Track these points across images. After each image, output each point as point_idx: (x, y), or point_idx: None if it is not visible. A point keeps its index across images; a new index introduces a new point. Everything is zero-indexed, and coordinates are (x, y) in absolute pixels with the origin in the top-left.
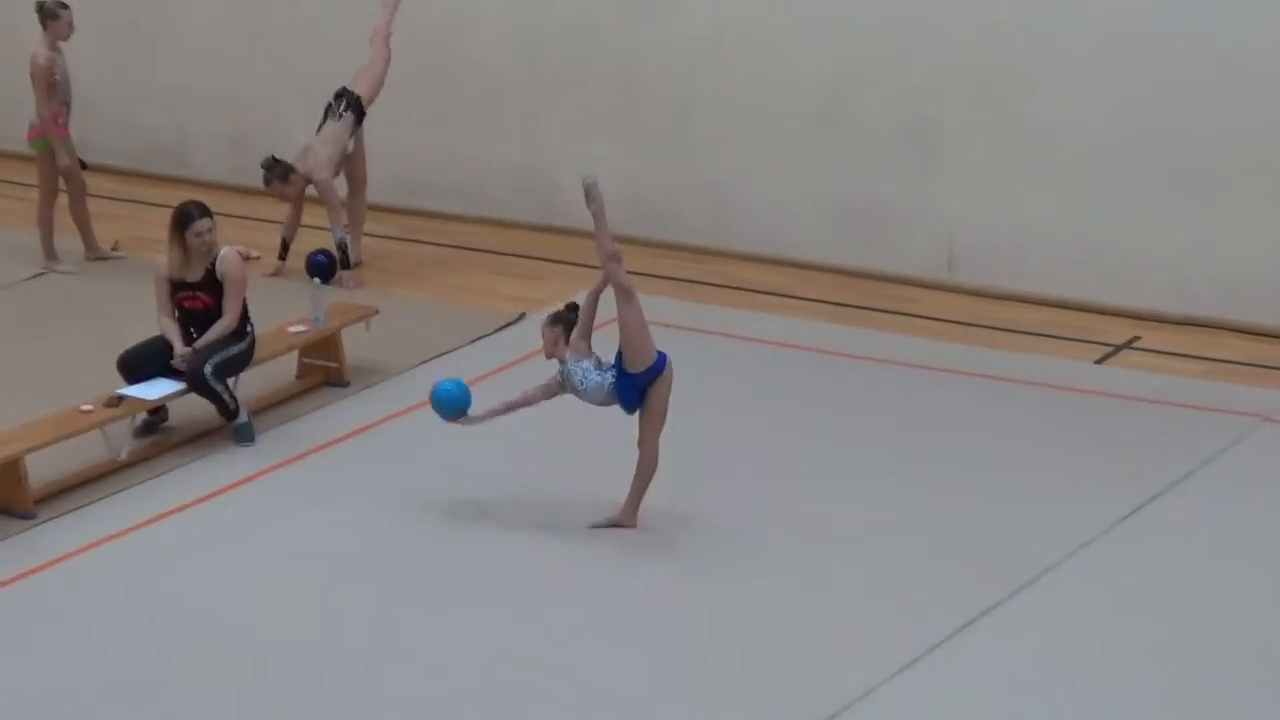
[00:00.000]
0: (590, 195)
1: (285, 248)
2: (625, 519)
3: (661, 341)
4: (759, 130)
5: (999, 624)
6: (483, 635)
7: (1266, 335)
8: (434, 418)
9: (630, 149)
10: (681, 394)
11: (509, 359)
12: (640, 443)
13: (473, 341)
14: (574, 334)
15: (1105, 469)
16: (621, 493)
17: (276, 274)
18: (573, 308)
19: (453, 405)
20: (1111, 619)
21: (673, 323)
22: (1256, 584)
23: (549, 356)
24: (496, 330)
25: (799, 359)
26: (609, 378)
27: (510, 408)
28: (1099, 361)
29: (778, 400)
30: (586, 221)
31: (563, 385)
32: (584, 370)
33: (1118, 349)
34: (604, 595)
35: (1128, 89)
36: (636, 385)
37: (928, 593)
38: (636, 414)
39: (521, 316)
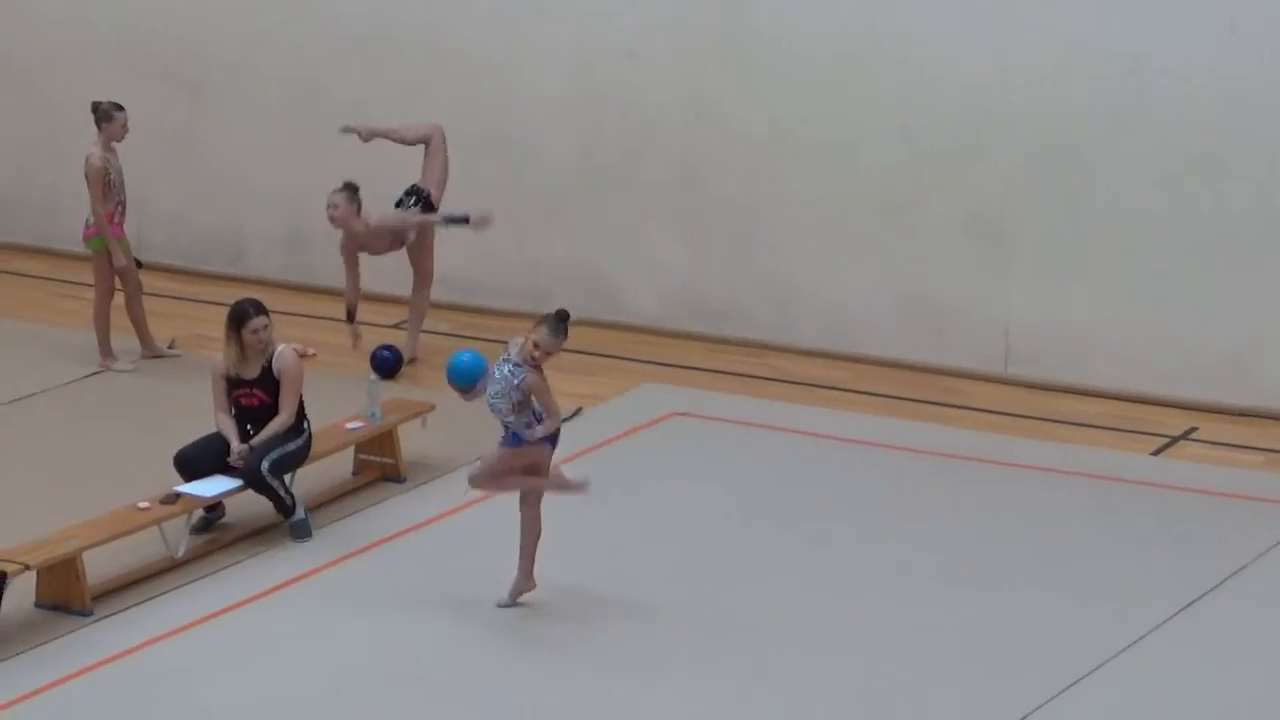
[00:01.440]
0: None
1: (350, 314)
2: (524, 583)
3: (719, 435)
4: (820, 226)
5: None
6: None
7: None
8: (489, 516)
9: (692, 246)
10: (729, 485)
11: (567, 454)
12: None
13: None
14: None
15: (1161, 563)
16: (682, 599)
17: (356, 339)
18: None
19: (467, 374)
20: (1169, 710)
21: (728, 417)
22: None
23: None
24: None
25: (853, 452)
26: (515, 380)
27: None
28: (1155, 453)
29: (830, 494)
30: (645, 318)
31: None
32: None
33: (1174, 440)
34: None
35: (1186, 180)
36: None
37: (980, 692)
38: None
39: (578, 411)
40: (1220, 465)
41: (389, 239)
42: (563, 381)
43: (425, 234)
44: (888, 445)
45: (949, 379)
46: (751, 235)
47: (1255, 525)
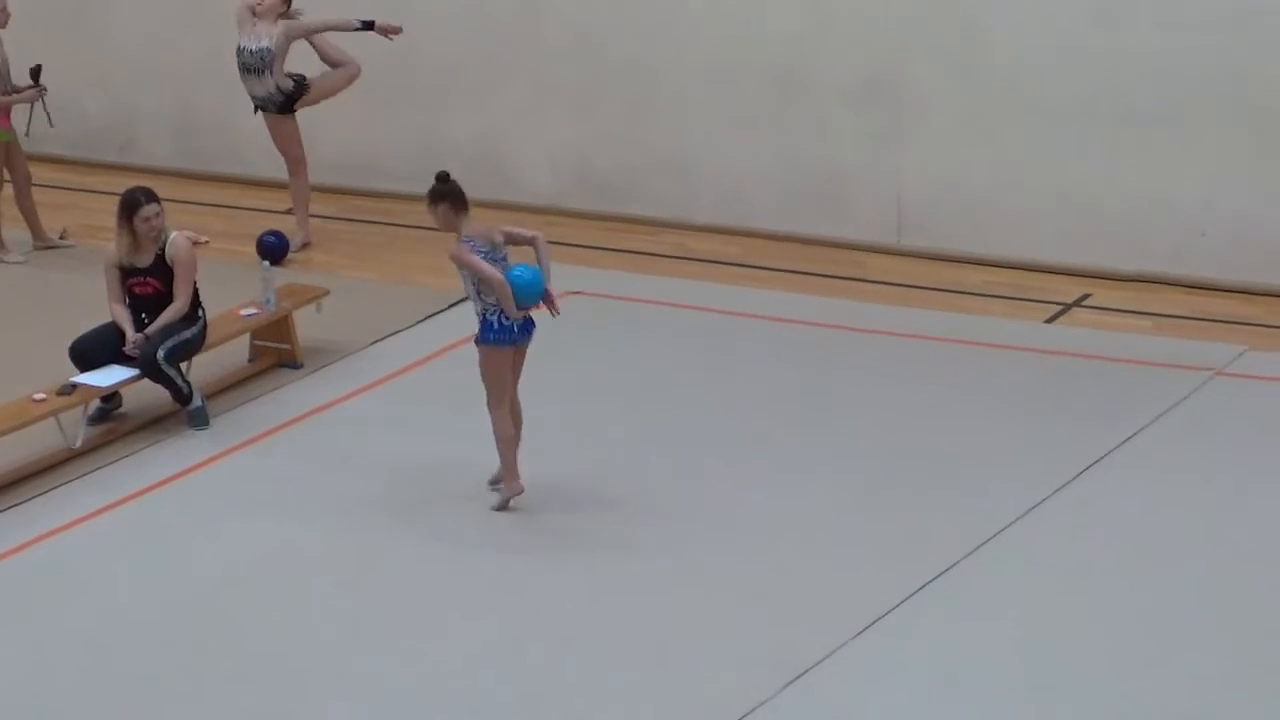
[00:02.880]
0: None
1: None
2: (513, 489)
3: (617, 314)
4: (714, 98)
5: (953, 586)
6: (437, 624)
7: (1214, 290)
8: (385, 397)
9: (587, 122)
10: (633, 366)
11: (461, 336)
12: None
13: (425, 319)
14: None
15: (1056, 427)
16: (581, 480)
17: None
18: (446, 176)
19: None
20: (1067, 579)
21: (628, 296)
22: (1210, 536)
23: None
24: (449, 307)
25: (751, 327)
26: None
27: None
28: (1049, 320)
29: (725, 370)
30: (538, 196)
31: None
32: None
33: (1068, 307)
34: (545, 588)
35: (1081, 49)
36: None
37: (883, 556)
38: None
39: None
40: (1113, 331)
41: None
42: None
43: (284, 123)
44: (784, 319)
45: (844, 251)
46: (646, 110)
47: (1148, 389)
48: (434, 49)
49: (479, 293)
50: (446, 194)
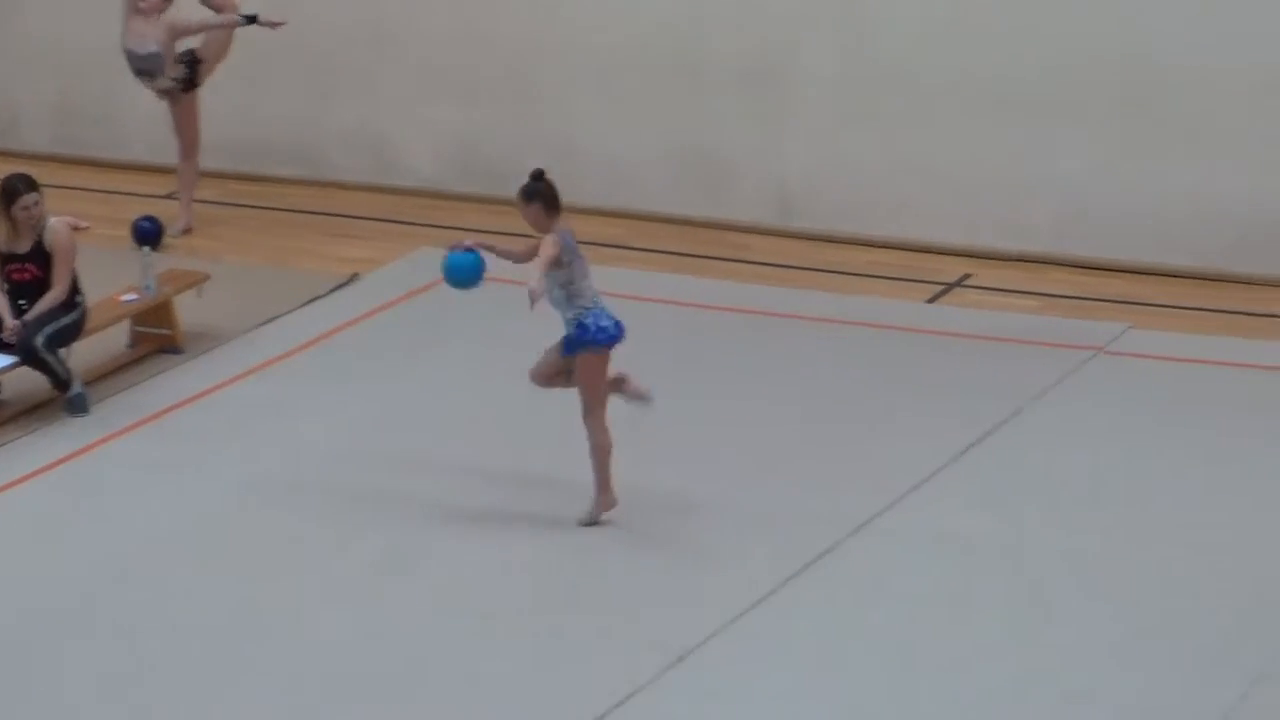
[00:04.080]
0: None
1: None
2: (606, 503)
3: (500, 298)
4: (598, 80)
5: (840, 564)
6: (314, 605)
7: (1097, 269)
8: (267, 381)
9: (470, 106)
10: (516, 349)
11: (344, 320)
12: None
13: (307, 304)
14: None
15: (939, 407)
16: (463, 458)
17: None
18: (541, 174)
19: (466, 273)
20: (953, 555)
21: (506, 278)
22: (1094, 511)
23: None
24: (330, 292)
25: (635, 309)
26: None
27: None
28: (932, 300)
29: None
30: (421, 180)
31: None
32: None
33: (951, 286)
34: (429, 568)
35: (961, 27)
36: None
37: (768, 534)
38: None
39: (354, 277)
40: (996, 310)
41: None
42: (339, 247)
43: (186, 102)
44: (668, 301)
45: (729, 233)
46: (530, 94)
47: (1032, 368)
48: (317, 33)
49: (569, 298)
50: (538, 193)
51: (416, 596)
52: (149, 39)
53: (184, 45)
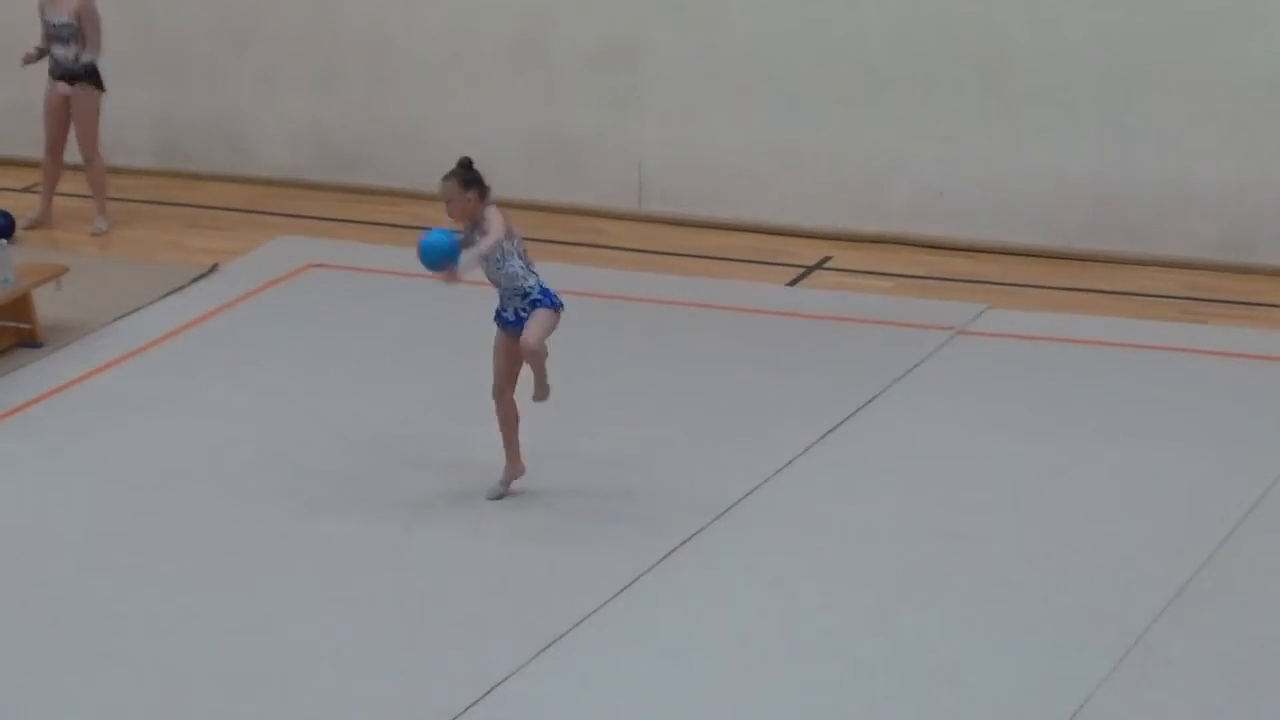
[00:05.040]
0: None
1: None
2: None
3: (356, 285)
4: (451, 65)
5: (705, 548)
6: (184, 593)
7: (953, 249)
8: (128, 373)
9: (324, 94)
10: (372, 337)
11: (205, 310)
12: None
13: (167, 295)
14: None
15: (803, 390)
16: (314, 449)
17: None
18: (469, 163)
19: (438, 254)
20: (818, 536)
21: (367, 267)
22: (956, 489)
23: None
24: (190, 283)
25: (491, 295)
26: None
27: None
28: (791, 283)
29: (463, 339)
30: (276, 170)
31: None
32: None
33: (810, 269)
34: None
35: (815, 9)
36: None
37: (634, 521)
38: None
39: (214, 268)
40: (855, 292)
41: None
42: (196, 238)
43: (88, 97)
44: None
45: (584, 217)
46: (384, 81)
47: (892, 349)
48: (169, 23)
49: (526, 268)
50: (476, 180)
51: (289, 583)
52: (63, 10)
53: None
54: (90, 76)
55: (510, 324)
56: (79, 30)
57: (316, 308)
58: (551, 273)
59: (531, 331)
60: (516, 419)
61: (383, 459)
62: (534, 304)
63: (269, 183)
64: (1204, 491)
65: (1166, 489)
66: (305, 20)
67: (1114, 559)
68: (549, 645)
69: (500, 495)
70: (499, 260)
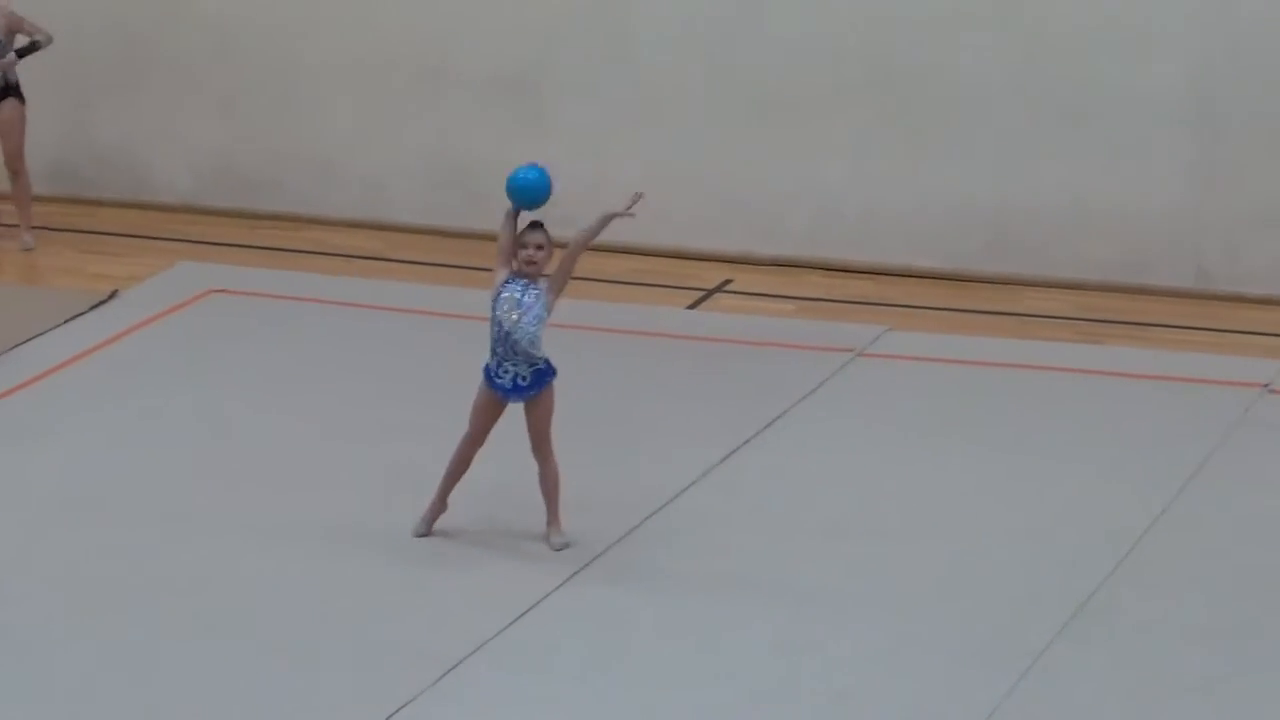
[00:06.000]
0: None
1: None
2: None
3: (259, 311)
4: (354, 93)
5: (608, 570)
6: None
7: (853, 271)
8: (28, 403)
9: (227, 120)
10: (275, 362)
11: (104, 338)
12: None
13: (65, 322)
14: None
15: (703, 413)
16: (230, 468)
17: None
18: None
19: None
20: (719, 560)
21: (270, 292)
22: (859, 511)
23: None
24: (90, 309)
25: (394, 320)
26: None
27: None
28: (692, 306)
29: (366, 365)
30: (177, 196)
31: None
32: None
33: (710, 292)
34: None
35: (717, 33)
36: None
37: (522, 554)
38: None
39: (114, 294)
40: (756, 315)
41: None
42: (95, 264)
43: (16, 110)
44: (428, 312)
45: (486, 243)
46: (287, 107)
47: (793, 371)
48: (69, 48)
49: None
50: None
51: (187, 611)
52: None
53: None
54: (17, 90)
55: (505, 390)
56: (6, 45)
57: (218, 334)
58: (454, 298)
59: (546, 436)
60: (464, 472)
61: (283, 484)
62: (540, 375)
63: (170, 209)
64: (1100, 511)
65: (1063, 509)
66: (206, 45)
67: (1012, 579)
68: (448, 671)
69: (425, 534)
70: (543, 316)
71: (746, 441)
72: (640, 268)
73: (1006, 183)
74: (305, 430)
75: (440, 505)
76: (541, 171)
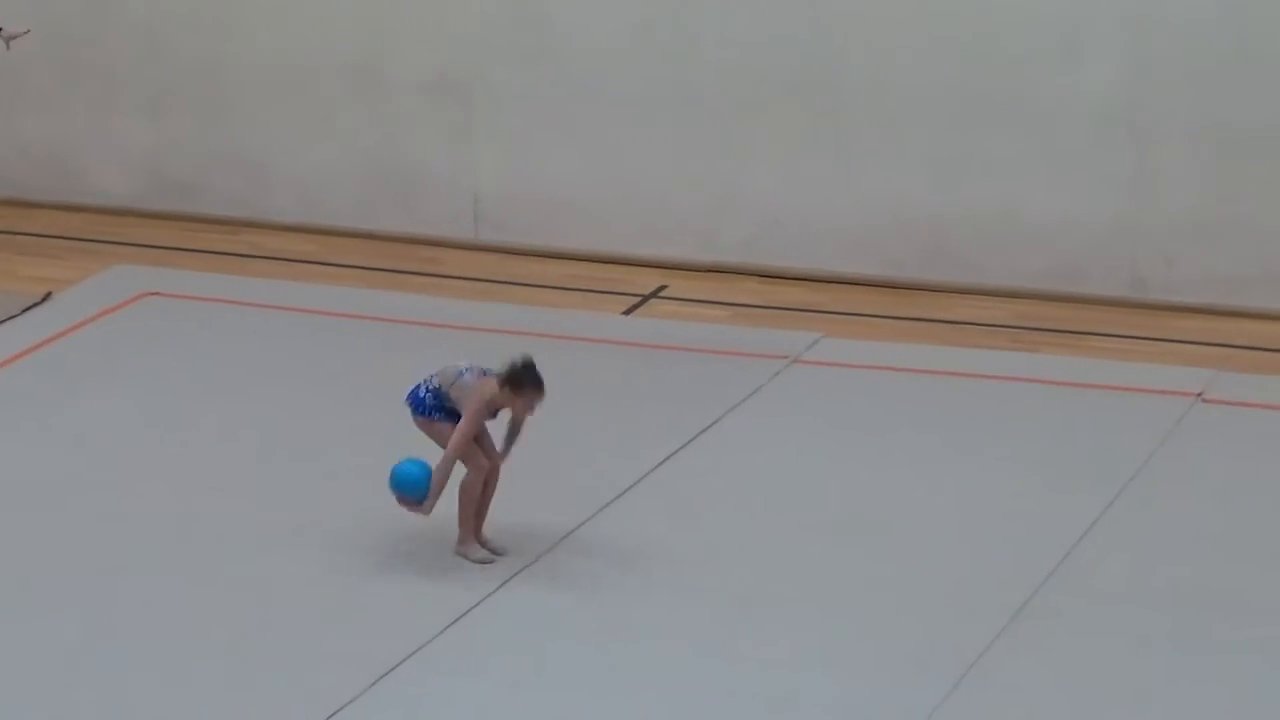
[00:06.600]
0: None
1: None
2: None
3: (194, 315)
4: (288, 95)
5: (541, 575)
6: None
7: (790, 278)
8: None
9: (159, 122)
10: (211, 366)
11: (37, 340)
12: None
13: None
14: None
15: (637, 419)
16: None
17: None
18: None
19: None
20: (655, 565)
21: (205, 296)
22: (795, 516)
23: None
24: (22, 311)
25: (329, 324)
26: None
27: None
28: (627, 312)
29: (303, 369)
30: (110, 199)
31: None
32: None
33: (645, 298)
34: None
35: (653, 44)
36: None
37: (453, 560)
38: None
39: (47, 296)
40: (691, 321)
41: None
42: (28, 266)
43: None
44: (361, 316)
45: (421, 247)
46: (220, 109)
47: (727, 378)
48: None
49: None
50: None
51: (116, 613)
52: None
53: None
54: None
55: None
56: None
57: (152, 337)
58: (387, 302)
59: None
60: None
61: (218, 488)
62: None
63: (103, 211)
64: (1036, 518)
65: (999, 516)
66: (137, 46)
67: (949, 585)
68: (382, 676)
69: (488, 560)
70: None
71: (682, 447)
72: (575, 273)
73: (942, 191)
74: (241, 434)
75: (479, 526)
76: (421, 466)
